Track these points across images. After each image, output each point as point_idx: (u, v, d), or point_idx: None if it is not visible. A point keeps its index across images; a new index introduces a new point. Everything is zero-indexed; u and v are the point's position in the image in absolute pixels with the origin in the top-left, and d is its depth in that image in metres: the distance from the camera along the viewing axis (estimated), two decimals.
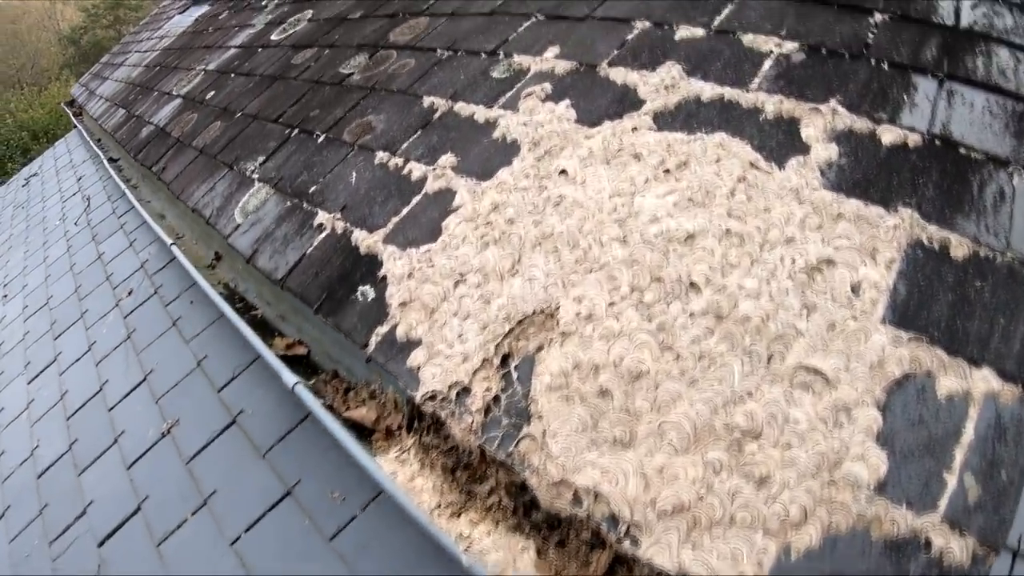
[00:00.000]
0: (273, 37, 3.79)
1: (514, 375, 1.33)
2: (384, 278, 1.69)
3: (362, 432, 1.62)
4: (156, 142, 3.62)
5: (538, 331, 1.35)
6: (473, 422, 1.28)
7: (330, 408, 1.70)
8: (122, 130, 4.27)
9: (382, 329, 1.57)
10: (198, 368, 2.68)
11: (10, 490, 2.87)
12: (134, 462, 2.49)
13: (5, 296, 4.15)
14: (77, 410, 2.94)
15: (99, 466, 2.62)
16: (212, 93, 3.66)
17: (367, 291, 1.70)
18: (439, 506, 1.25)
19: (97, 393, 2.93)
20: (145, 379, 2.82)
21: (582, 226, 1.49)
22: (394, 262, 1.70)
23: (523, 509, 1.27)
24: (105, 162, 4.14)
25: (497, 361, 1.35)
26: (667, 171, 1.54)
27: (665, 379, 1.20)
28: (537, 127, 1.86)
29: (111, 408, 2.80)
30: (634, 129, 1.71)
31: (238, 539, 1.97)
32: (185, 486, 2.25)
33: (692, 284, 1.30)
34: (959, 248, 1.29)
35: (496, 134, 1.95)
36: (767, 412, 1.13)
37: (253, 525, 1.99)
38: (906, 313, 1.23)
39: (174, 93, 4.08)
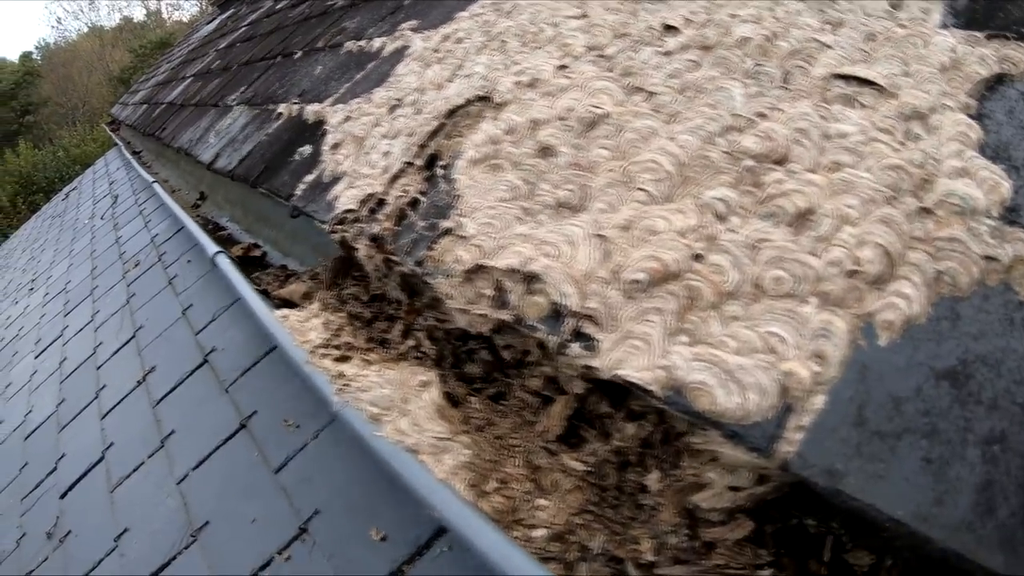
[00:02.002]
0: (277, 7, 3.72)
1: (439, 174, 1.01)
2: (324, 132, 1.43)
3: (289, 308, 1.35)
4: (162, 114, 3.58)
5: (472, 121, 1.04)
6: (381, 231, 0.96)
7: (263, 292, 1.44)
8: (140, 118, 4.29)
9: (310, 176, 1.30)
10: (183, 317, 2.51)
11: (0, 455, 2.79)
12: (107, 413, 2.32)
13: (32, 289, 4.18)
14: (70, 374, 2.83)
15: (77, 422, 2.48)
16: (218, 63, 3.60)
17: (305, 150, 1.45)
18: (325, 346, 0.92)
19: (90, 356, 2.82)
20: (134, 335, 2.67)
21: (535, 18, 1.19)
22: (335, 115, 1.44)
23: (452, 357, 0.94)
24: (125, 151, 4.16)
25: (421, 163, 1.04)
26: None
27: (632, 119, 0.82)
28: None
29: (99, 367, 2.67)
30: None
31: (185, 478, 1.74)
32: (148, 430, 2.06)
33: (668, 27, 0.95)
34: None
35: None
36: (793, 128, 0.74)
37: (203, 462, 1.76)
38: (974, 17, 0.84)
39: (187, 75, 4.07)
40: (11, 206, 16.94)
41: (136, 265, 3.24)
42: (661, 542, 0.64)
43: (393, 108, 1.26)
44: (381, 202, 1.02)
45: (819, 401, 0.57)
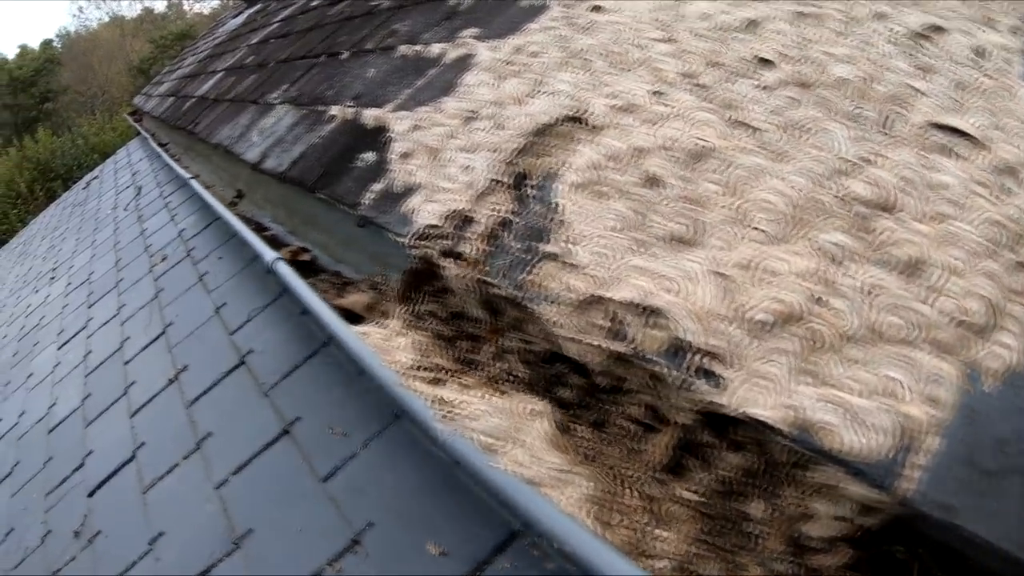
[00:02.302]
0: (313, 3, 3.74)
1: (531, 195, 1.01)
2: (388, 140, 1.44)
3: (353, 320, 1.34)
4: (194, 108, 3.60)
5: (563, 142, 1.04)
6: (473, 251, 0.97)
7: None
8: (168, 111, 4.31)
9: (378, 186, 1.30)
10: (215, 315, 2.52)
11: (23, 447, 2.80)
12: (137, 411, 2.33)
13: (53, 278, 4.21)
14: (95, 368, 2.84)
15: (105, 418, 2.48)
16: (252, 58, 3.62)
17: (368, 156, 1.45)
18: (417, 368, 0.93)
19: (117, 351, 2.82)
20: (163, 332, 2.67)
21: (617, 38, 1.20)
22: (400, 122, 1.45)
23: (544, 381, 0.94)
24: (153, 144, 4.18)
25: (509, 181, 1.04)
26: None
27: (739, 155, 0.86)
28: None
29: (127, 362, 2.68)
30: None
31: (224, 483, 1.73)
32: (182, 430, 2.06)
33: (762, 60, 0.98)
34: None
35: (523, 3, 1.70)
36: (899, 177, 0.78)
37: (243, 467, 1.76)
38: None
39: (217, 69, 4.09)
40: (28, 192, 17.28)
41: (163, 259, 3.25)
42: (769, 569, 0.68)
43: (468, 120, 1.26)
44: (468, 219, 1.02)
45: (934, 442, 0.62)
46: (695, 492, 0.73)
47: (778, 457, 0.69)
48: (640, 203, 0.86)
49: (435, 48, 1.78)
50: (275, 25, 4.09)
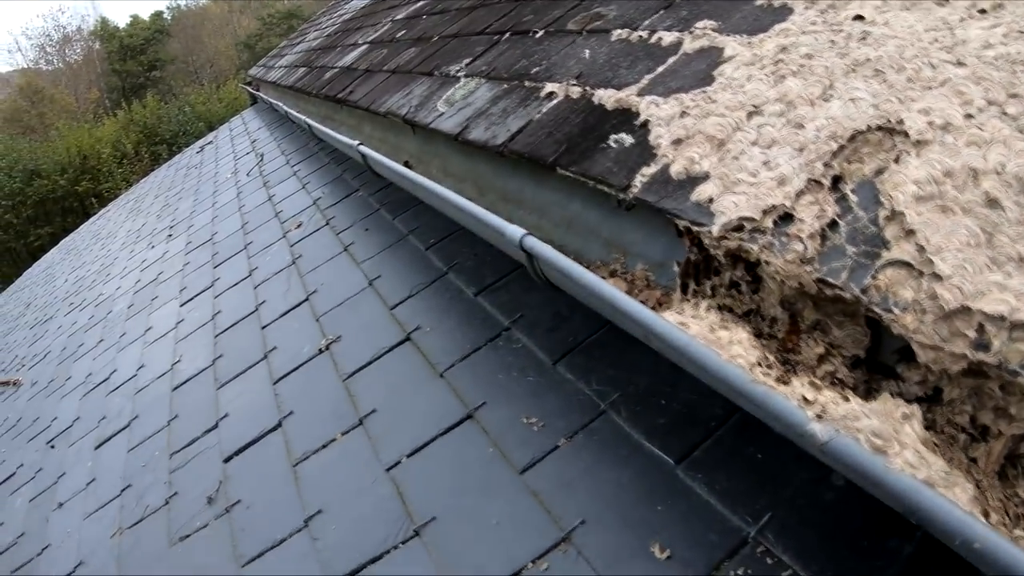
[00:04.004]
0: None
1: (852, 198, 1.04)
2: (645, 123, 1.49)
3: None
4: (341, 78, 3.77)
5: (875, 151, 1.08)
6: (806, 251, 1.00)
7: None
8: (303, 80, 4.54)
9: (649, 169, 1.35)
10: (369, 287, 2.59)
11: (141, 402, 2.91)
12: (282, 377, 2.40)
13: (170, 235, 4.48)
14: (227, 328, 2.96)
15: (241, 381, 2.56)
16: (403, 32, 3.78)
17: (622, 138, 1.50)
18: (759, 364, 0.97)
19: (251, 313, 2.94)
20: (307, 299, 2.77)
21: (902, 53, 1.26)
22: (657, 107, 1.49)
23: (866, 384, 0.97)
24: (289, 110, 4.40)
25: (828, 183, 1.07)
26: (982, 11, 1.30)
27: None
28: None
29: (264, 326, 2.78)
30: None
31: (397, 464, 1.76)
32: (339, 404, 2.10)
33: None
34: None
35: (759, 2, 1.73)
36: None
37: (419, 450, 1.77)
38: None
39: (359, 42, 4.28)
40: (134, 153, 19.60)
41: (298, 226, 3.41)
42: None
43: (751, 115, 1.29)
44: (788, 216, 1.05)
45: None
46: None
47: None
48: (985, 222, 0.92)
49: (666, 36, 1.82)
50: (421, 2, 4.26)
